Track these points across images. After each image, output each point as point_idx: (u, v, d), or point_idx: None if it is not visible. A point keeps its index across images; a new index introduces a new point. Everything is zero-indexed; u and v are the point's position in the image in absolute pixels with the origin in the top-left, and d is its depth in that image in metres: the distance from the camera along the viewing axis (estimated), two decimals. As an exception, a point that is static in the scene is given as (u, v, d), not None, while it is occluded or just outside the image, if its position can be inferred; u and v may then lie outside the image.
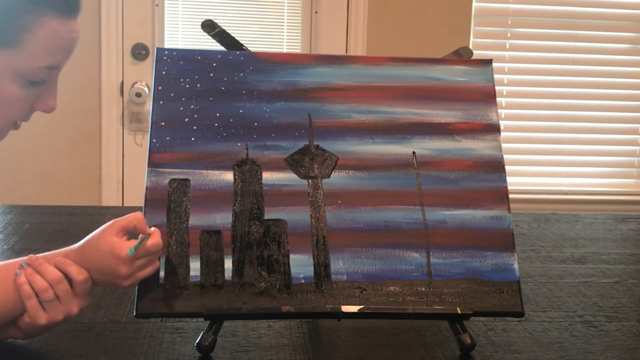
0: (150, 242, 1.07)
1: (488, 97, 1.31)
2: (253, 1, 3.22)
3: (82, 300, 1.06)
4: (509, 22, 3.39)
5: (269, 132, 1.23)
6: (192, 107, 1.23)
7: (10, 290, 1.04)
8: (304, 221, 1.19)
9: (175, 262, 1.13)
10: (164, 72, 1.25)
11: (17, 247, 1.60)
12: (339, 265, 1.17)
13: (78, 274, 1.05)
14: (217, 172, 1.20)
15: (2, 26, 1.05)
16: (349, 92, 1.28)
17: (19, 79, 1.08)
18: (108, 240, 1.05)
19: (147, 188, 1.17)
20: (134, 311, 1.11)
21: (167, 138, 1.21)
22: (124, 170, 3.20)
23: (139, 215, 1.09)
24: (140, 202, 1.18)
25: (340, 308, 1.14)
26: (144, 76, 3.17)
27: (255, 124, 1.24)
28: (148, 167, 1.19)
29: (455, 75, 1.32)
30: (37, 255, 1.06)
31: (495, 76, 1.34)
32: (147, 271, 1.09)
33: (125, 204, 3.19)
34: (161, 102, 1.23)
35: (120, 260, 1.05)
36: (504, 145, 1.28)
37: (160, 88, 1.24)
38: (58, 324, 1.07)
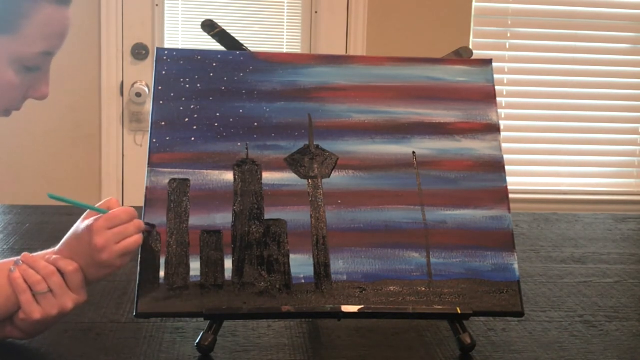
0: (118, 209, 1.07)
1: (488, 97, 1.31)
2: (253, 1, 3.22)
3: (76, 295, 1.06)
4: (509, 22, 3.39)
5: (269, 132, 1.23)
6: (192, 107, 1.23)
7: (4, 286, 1.05)
8: (304, 221, 1.19)
9: (175, 262, 1.13)
10: (164, 72, 1.25)
11: (17, 247, 1.60)
12: (339, 265, 1.17)
13: (67, 265, 1.05)
14: (217, 172, 1.20)
15: (1, 12, 1.07)
16: (349, 92, 1.28)
17: (15, 64, 1.10)
18: (84, 223, 1.07)
19: (147, 188, 1.17)
20: (134, 311, 1.11)
21: (167, 138, 1.21)
22: (124, 170, 3.20)
23: (112, 199, 1.10)
24: (140, 202, 1.18)
25: (340, 308, 1.14)
26: (144, 76, 3.17)
27: (255, 124, 1.24)
28: (148, 167, 1.19)
29: (455, 75, 1.32)
30: (31, 254, 1.08)
31: (495, 76, 1.34)
32: (127, 243, 1.06)
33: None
34: (161, 102, 1.23)
35: (91, 231, 1.05)
36: (504, 145, 1.28)
37: (160, 88, 1.24)
38: (54, 321, 1.07)
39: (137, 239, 1.08)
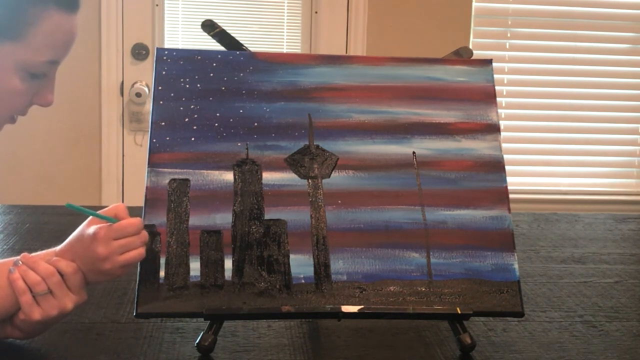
0: (125, 221, 1.06)
1: (488, 97, 1.31)
2: (253, 1, 3.22)
3: (76, 295, 1.06)
4: (509, 22, 3.39)
5: (269, 132, 1.23)
6: (192, 107, 1.23)
7: (4, 287, 1.05)
8: (304, 221, 1.19)
9: (175, 262, 1.13)
10: (164, 72, 1.25)
11: (17, 247, 1.60)
12: (339, 265, 1.17)
13: (67, 266, 1.05)
14: (217, 172, 1.20)
15: (8, 19, 1.07)
16: (349, 92, 1.28)
17: (22, 71, 1.10)
18: (90, 229, 1.06)
19: (147, 188, 1.17)
20: (134, 311, 1.11)
21: (167, 138, 1.21)
22: (124, 170, 3.20)
23: (120, 205, 1.09)
24: (140, 202, 1.18)
25: (340, 308, 1.14)
26: (144, 76, 3.17)
27: (255, 124, 1.24)
28: (148, 167, 1.19)
29: (455, 75, 1.32)
30: (31, 254, 1.07)
31: (495, 76, 1.34)
32: (129, 256, 1.06)
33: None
34: (161, 102, 1.23)
35: (96, 240, 1.05)
36: (504, 145, 1.28)
37: (160, 88, 1.24)
38: (54, 321, 1.07)
39: (141, 251, 1.08)
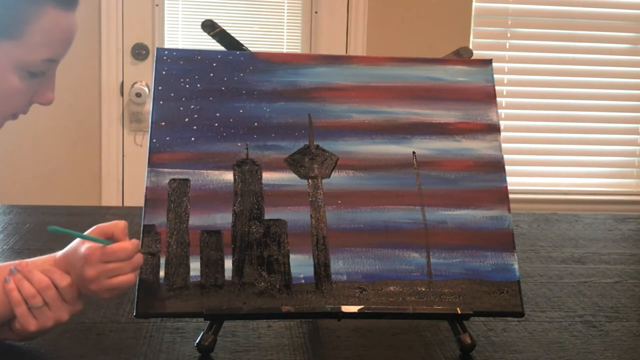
0: (117, 245, 1.04)
1: (488, 97, 1.31)
2: (253, 1, 3.22)
3: (71, 306, 1.05)
4: (509, 22, 3.39)
5: (269, 132, 1.23)
6: (192, 107, 1.23)
7: (0, 294, 1.04)
8: (304, 221, 1.19)
9: (175, 262, 1.13)
10: (164, 72, 1.25)
11: (17, 247, 1.59)
12: (339, 265, 1.17)
13: (62, 280, 1.04)
14: (217, 172, 1.20)
15: (5, 18, 1.07)
16: (349, 92, 1.28)
17: (20, 70, 1.09)
18: (83, 247, 1.05)
19: (147, 188, 1.17)
20: (134, 311, 1.11)
21: (167, 138, 1.21)
22: (124, 170, 3.20)
23: (120, 223, 1.06)
24: (140, 202, 1.18)
25: (340, 308, 1.14)
26: (144, 76, 3.17)
27: (255, 124, 1.24)
28: (148, 167, 1.19)
29: (455, 75, 1.32)
30: (27, 260, 1.06)
31: (495, 76, 1.34)
32: (118, 281, 1.04)
33: (125, 204, 3.19)
34: (161, 102, 1.23)
35: (85, 260, 1.03)
36: (504, 145, 1.28)
37: (160, 88, 1.24)
38: (50, 329, 1.07)
39: (130, 278, 1.05)
